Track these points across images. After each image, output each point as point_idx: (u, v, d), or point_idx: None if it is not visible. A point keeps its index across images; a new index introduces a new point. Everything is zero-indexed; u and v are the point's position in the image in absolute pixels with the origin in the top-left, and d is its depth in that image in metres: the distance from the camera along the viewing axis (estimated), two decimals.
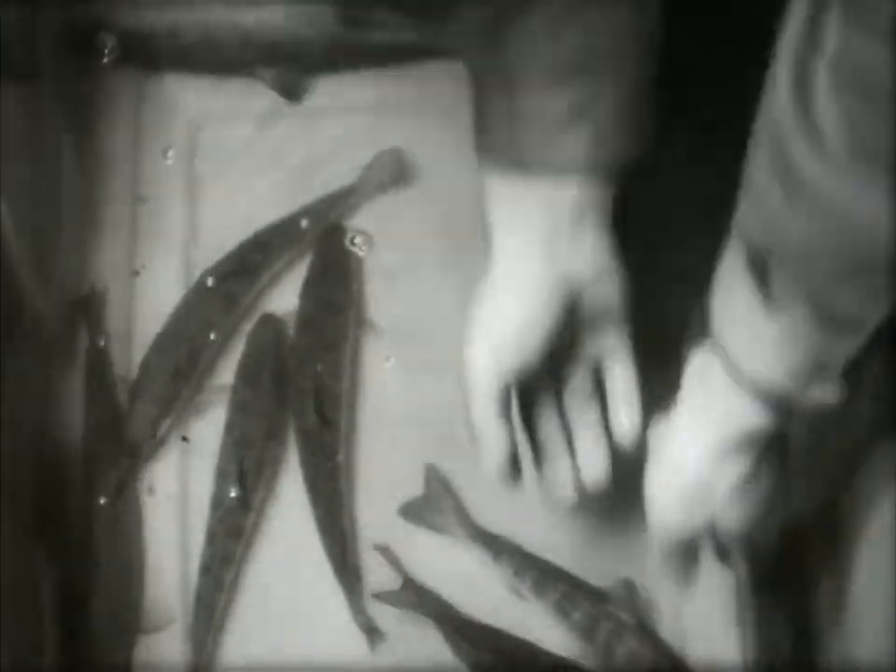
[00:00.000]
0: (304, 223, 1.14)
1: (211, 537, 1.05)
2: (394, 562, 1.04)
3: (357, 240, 1.14)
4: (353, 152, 1.17)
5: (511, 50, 0.77)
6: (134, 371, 1.11)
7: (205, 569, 1.04)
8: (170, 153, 1.18)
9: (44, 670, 1.00)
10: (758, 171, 0.66)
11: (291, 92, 1.20)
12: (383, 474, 1.08)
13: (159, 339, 1.11)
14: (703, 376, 0.76)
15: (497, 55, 0.78)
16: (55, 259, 1.11)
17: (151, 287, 1.14)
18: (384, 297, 1.13)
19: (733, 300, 0.72)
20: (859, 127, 0.59)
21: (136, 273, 1.14)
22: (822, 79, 0.60)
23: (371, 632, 1.02)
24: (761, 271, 0.69)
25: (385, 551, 1.04)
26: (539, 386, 0.86)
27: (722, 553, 0.84)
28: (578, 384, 0.86)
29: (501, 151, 0.80)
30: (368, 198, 1.16)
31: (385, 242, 1.14)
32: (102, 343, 1.11)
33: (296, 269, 1.15)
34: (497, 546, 1.03)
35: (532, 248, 0.81)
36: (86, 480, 1.07)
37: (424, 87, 1.18)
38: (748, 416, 0.74)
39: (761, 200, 0.67)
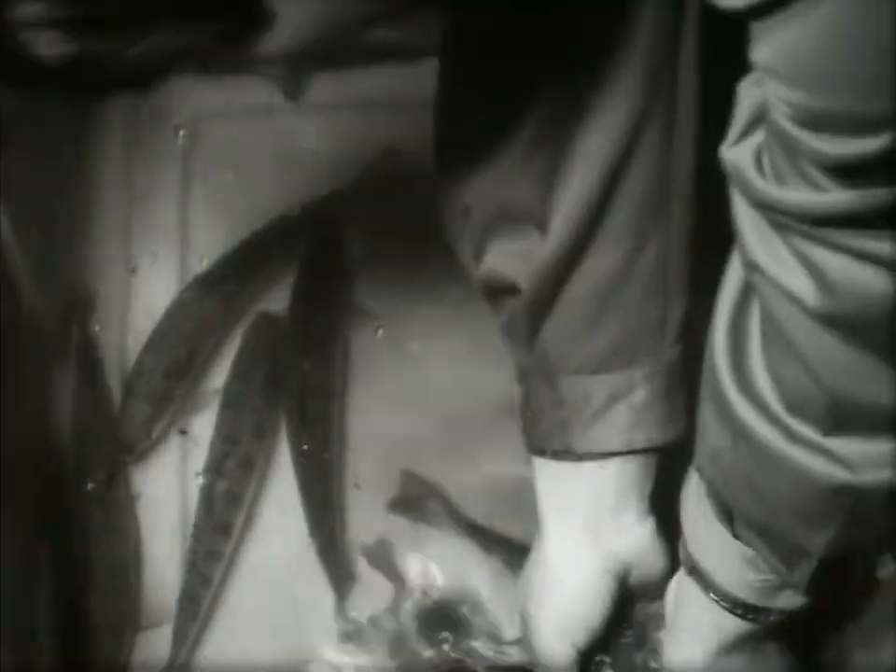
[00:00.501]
0: (300, 222, 1.15)
1: (197, 533, 1.05)
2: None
3: (356, 248, 1.15)
4: (351, 149, 1.17)
5: (550, 346, 0.82)
6: (129, 369, 1.11)
7: (191, 565, 1.04)
8: (181, 132, 1.18)
9: (42, 668, 1.00)
10: (706, 420, 0.71)
11: (290, 89, 1.19)
12: (375, 469, 1.08)
13: (153, 338, 1.11)
14: (685, 589, 0.81)
15: (537, 350, 0.83)
16: (51, 257, 1.12)
17: (147, 284, 1.14)
18: (376, 282, 1.13)
19: (700, 521, 0.77)
20: (787, 384, 0.63)
21: (132, 271, 1.14)
22: (754, 341, 0.65)
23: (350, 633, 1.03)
24: (722, 506, 0.74)
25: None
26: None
27: None
28: (631, 634, 0.91)
29: (546, 437, 0.85)
30: (364, 195, 1.15)
31: (379, 236, 1.14)
32: (93, 341, 1.11)
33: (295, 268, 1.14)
34: (486, 538, 1.04)
35: (578, 527, 0.85)
36: (80, 477, 1.07)
37: (423, 85, 1.17)
38: (728, 623, 0.79)
39: (712, 446, 0.71)
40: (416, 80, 1.15)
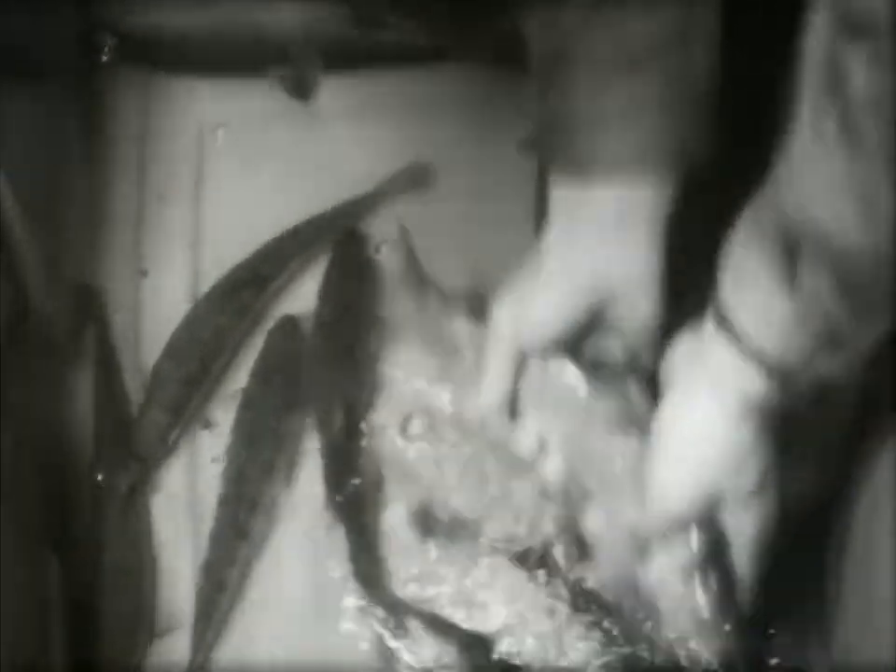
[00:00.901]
0: (320, 229, 1.14)
1: (215, 537, 1.04)
2: None
3: (384, 248, 1.14)
4: (363, 153, 1.17)
5: (566, 49, 0.81)
6: (142, 373, 1.10)
7: (207, 569, 1.03)
8: (220, 132, 1.18)
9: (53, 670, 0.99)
10: (805, 125, 0.65)
11: (302, 93, 1.20)
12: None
13: (170, 346, 1.10)
14: (706, 349, 0.77)
15: (552, 54, 0.81)
16: (63, 258, 1.11)
17: (159, 287, 1.13)
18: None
19: (747, 269, 0.73)
20: None
21: (144, 274, 1.14)
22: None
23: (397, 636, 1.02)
24: (787, 252, 0.69)
25: None
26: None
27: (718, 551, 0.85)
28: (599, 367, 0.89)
29: (558, 151, 0.83)
30: (383, 205, 1.16)
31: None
32: (110, 343, 1.11)
33: (310, 272, 1.14)
34: None
35: (578, 244, 0.83)
36: (95, 482, 1.06)
37: (434, 89, 1.19)
38: (753, 388, 0.75)
39: (804, 159, 0.66)
40: (432, 85, 1.18)
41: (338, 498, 1.03)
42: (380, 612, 1.00)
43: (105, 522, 1.05)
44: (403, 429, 1.06)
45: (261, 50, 1.18)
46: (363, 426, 1.06)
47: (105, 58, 1.16)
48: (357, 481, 1.04)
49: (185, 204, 1.16)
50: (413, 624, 0.99)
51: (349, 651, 1.01)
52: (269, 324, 1.12)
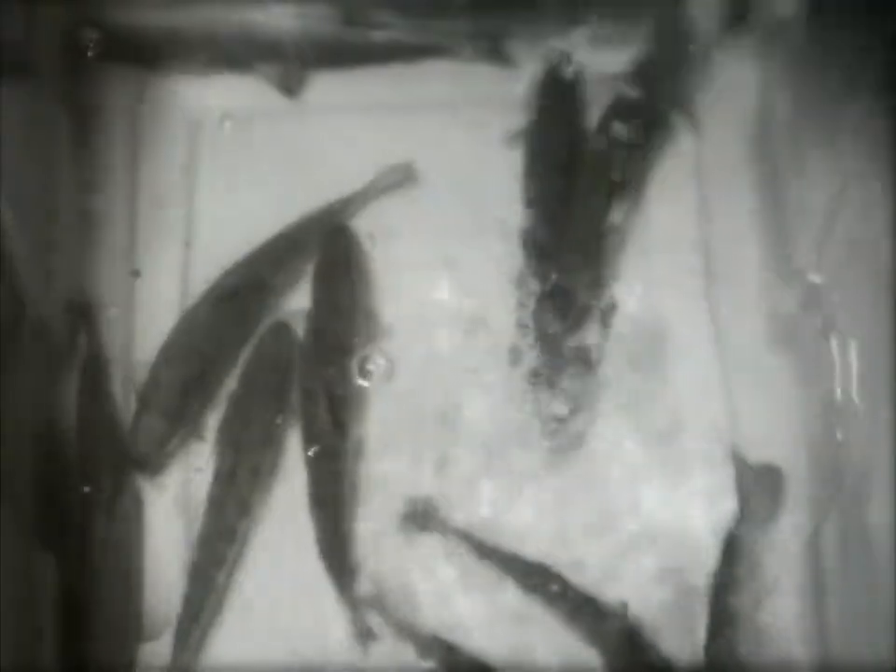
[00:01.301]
0: (310, 230, 1.14)
1: (203, 540, 1.05)
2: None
3: (377, 242, 1.15)
4: (351, 150, 1.17)
5: None
6: (134, 371, 1.10)
7: (194, 571, 1.04)
8: (227, 123, 1.18)
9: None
10: None
11: (291, 89, 1.19)
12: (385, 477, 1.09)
13: (166, 351, 1.09)
14: None
15: None
16: (56, 260, 1.10)
17: (151, 287, 1.14)
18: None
19: None
20: None
21: (136, 274, 1.14)
22: None
23: (366, 635, 1.04)
24: None
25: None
26: None
27: None
28: None
29: None
30: (371, 203, 1.16)
31: (384, 235, 1.15)
32: (101, 350, 1.10)
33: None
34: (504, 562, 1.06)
35: None
36: (85, 484, 1.06)
37: (422, 86, 1.18)
38: None
39: None
40: (420, 82, 1.18)
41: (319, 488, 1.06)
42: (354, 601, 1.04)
43: (96, 525, 1.05)
44: (361, 370, 1.08)
45: (252, 47, 1.17)
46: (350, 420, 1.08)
47: (91, 55, 1.16)
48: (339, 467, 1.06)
49: (177, 203, 1.16)
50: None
51: (337, 650, 1.04)
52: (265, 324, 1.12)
